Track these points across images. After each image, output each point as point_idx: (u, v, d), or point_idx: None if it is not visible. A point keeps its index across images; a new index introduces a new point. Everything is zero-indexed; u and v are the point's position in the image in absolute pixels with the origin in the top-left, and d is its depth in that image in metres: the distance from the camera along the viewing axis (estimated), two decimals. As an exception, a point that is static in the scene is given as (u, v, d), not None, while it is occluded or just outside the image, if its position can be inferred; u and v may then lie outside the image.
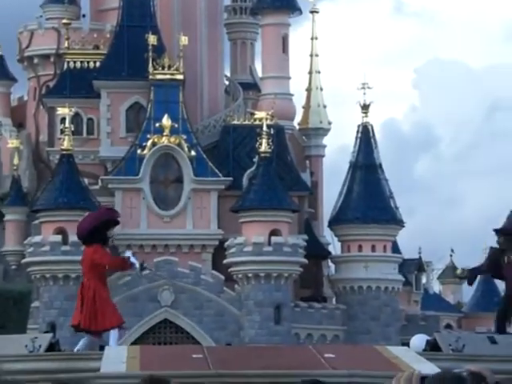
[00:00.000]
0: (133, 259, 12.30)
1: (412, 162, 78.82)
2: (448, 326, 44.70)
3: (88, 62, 42.01)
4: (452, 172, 77.15)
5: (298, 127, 44.45)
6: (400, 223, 40.95)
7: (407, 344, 12.75)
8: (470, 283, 13.86)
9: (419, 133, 78.13)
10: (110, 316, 11.91)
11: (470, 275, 13.60)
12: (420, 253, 47.58)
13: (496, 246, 13.25)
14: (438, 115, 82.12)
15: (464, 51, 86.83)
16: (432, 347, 11.95)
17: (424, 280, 47.77)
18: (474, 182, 76.62)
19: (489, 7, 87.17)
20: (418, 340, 12.32)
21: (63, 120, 39.24)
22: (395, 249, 41.60)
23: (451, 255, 49.79)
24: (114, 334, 11.93)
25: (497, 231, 13.06)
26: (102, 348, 11.47)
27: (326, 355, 10.99)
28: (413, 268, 46.08)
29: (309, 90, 45.16)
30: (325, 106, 45.17)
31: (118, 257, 12.20)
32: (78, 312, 11.96)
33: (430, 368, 9.85)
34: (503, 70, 79.16)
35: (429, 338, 12.39)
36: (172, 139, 39.10)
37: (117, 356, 10.75)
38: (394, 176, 69.30)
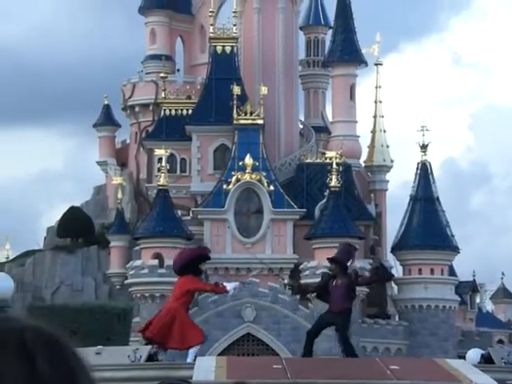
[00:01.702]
0: (230, 286, 12.32)
1: (469, 195, 77.64)
2: (500, 342, 43.77)
3: (181, 110, 42.42)
4: (504, 204, 75.84)
5: (363, 165, 44.21)
6: (455, 249, 40.34)
7: (464, 357, 12.51)
8: (295, 294, 14.19)
9: (475, 170, 77.05)
10: (193, 336, 11.91)
11: (299, 290, 13.92)
12: (474, 276, 46.77)
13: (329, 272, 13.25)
14: (491, 154, 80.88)
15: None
16: (486, 360, 11.71)
17: (478, 300, 46.91)
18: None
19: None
20: (474, 353, 12.09)
21: (160, 160, 39.63)
22: (452, 272, 40.97)
23: (502, 278, 48.87)
24: (193, 351, 11.96)
25: (330, 260, 13.02)
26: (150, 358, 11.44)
27: (391, 367, 10.82)
28: (468, 289, 45.31)
29: (373, 132, 44.93)
30: (388, 146, 44.88)
31: (209, 283, 12.30)
32: (156, 326, 11.86)
33: (484, 379, 9.63)
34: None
35: (483, 352, 12.14)
36: (253, 176, 39.18)
37: (207, 366, 10.73)
38: (453, 207, 68.52)
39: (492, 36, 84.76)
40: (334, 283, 12.50)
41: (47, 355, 1.47)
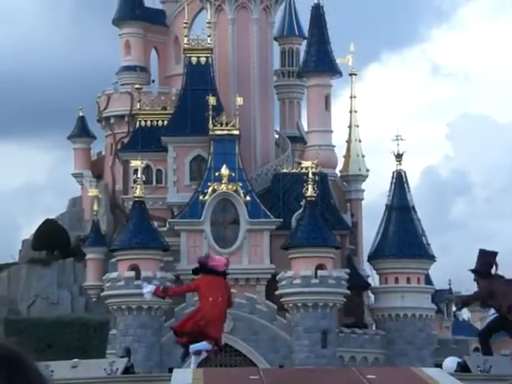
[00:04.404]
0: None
1: (449, 204, 77.92)
2: (476, 350, 43.87)
3: (157, 121, 42.38)
4: (484, 213, 76.19)
5: (339, 174, 44.35)
6: (431, 258, 40.51)
7: (440, 365, 12.55)
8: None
9: (455, 179, 77.37)
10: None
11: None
12: (450, 284, 46.98)
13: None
14: (469, 163, 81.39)
15: (491, 107, 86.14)
16: (462, 368, 11.75)
17: (454, 308, 47.07)
18: (503, 222, 75.52)
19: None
20: (450, 362, 12.13)
21: (136, 171, 39.55)
22: (428, 281, 41.15)
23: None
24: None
25: None
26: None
27: (368, 376, 10.84)
28: (444, 298, 45.51)
29: (349, 141, 45.10)
30: (363, 156, 45.07)
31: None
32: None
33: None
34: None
35: (459, 360, 12.18)
36: (230, 186, 39.20)
37: (184, 378, 10.69)
38: (432, 216, 68.63)
39: (471, 46, 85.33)
40: None
41: (6, 370, 1.46)
